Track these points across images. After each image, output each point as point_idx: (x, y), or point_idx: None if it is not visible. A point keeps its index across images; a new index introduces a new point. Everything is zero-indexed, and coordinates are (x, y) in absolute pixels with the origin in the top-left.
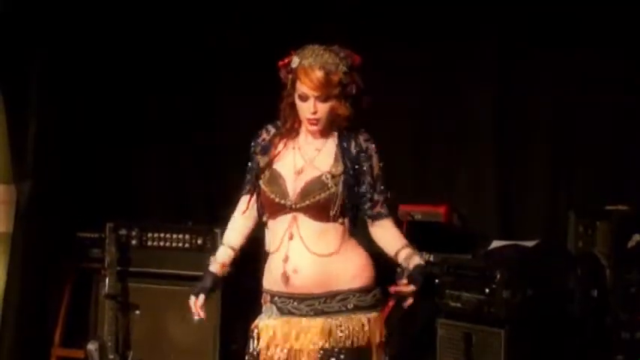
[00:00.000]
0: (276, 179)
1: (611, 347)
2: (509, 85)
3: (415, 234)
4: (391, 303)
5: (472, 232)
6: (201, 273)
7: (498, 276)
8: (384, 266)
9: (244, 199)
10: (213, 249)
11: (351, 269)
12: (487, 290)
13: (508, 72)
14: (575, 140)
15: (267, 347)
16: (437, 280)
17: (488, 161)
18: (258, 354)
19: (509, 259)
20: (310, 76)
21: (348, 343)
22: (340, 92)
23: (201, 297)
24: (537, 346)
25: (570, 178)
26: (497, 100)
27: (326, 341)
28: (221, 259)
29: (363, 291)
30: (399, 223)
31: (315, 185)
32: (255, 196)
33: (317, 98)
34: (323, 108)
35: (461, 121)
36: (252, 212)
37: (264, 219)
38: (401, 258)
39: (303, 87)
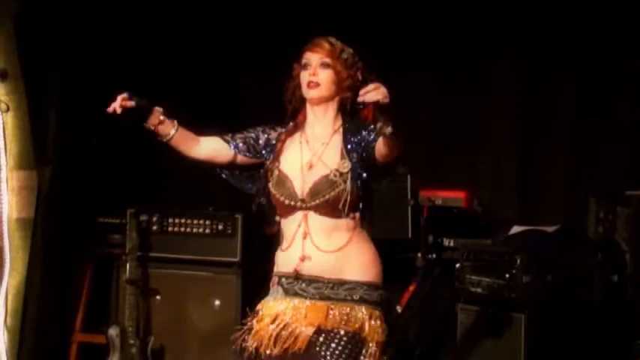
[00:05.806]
0: (283, 182)
1: (631, 333)
2: (530, 70)
3: (435, 219)
4: (412, 288)
5: (492, 218)
6: (222, 258)
7: (518, 261)
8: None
9: (219, 137)
10: (234, 234)
11: (359, 261)
12: (507, 275)
13: (531, 57)
14: (596, 125)
15: (265, 324)
16: (457, 265)
17: (509, 147)
18: (251, 330)
19: (530, 245)
20: (314, 42)
21: (345, 328)
22: (342, 66)
23: (134, 100)
24: (557, 331)
25: (591, 164)
26: (518, 86)
27: (322, 324)
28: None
29: (371, 286)
30: (419, 208)
31: (324, 184)
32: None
33: (318, 63)
34: (323, 73)
35: (482, 107)
36: (212, 145)
37: (277, 218)
38: None
39: (307, 54)
